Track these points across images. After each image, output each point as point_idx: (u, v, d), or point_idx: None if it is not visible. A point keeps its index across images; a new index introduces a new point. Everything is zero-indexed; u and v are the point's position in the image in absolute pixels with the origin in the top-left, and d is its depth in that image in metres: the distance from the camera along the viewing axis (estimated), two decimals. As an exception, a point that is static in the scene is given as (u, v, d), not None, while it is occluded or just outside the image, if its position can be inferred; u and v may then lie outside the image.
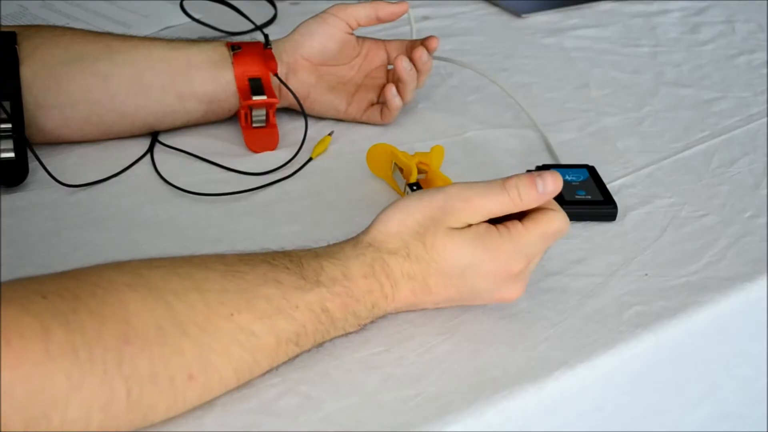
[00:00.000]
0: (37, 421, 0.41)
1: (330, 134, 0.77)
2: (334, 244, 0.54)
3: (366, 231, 0.54)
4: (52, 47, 0.72)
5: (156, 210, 0.67)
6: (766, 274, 0.62)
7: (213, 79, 0.74)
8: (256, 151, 0.75)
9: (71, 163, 0.72)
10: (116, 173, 0.71)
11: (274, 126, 0.76)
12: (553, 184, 0.53)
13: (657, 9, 1.13)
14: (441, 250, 0.52)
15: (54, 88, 0.71)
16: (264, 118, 0.76)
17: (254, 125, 0.76)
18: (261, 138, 0.76)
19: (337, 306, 0.51)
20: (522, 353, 0.53)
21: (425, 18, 1.06)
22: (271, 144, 0.76)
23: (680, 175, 0.75)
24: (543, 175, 0.53)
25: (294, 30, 0.78)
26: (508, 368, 0.52)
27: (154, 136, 0.76)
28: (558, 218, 0.53)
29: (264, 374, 0.50)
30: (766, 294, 0.62)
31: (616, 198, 0.69)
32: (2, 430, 0.40)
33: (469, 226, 0.53)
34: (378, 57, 0.81)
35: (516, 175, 0.53)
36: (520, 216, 0.54)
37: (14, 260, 0.60)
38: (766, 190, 0.72)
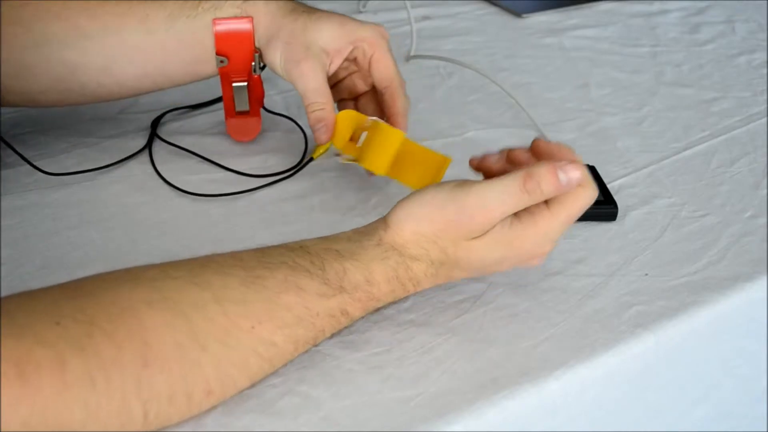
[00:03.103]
0: None
1: None
2: (356, 241, 0.52)
3: (386, 229, 0.52)
4: (14, 23, 0.65)
5: (156, 210, 0.67)
6: (766, 274, 0.62)
7: (192, 73, 0.70)
8: (236, 138, 0.76)
9: (71, 164, 0.72)
10: (104, 165, 0.71)
11: (258, 115, 0.75)
12: (577, 174, 0.50)
13: (657, 9, 1.13)
14: (465, 258, 0.52)
15: (21, 75, 0.66)
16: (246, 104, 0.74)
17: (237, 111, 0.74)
18: (241, 126, 0.75)
19: (358, 308, 0.51)
20: (522, 353, 0.53)
21: (425, 18, 1.06)
22: (252, 132, 0.75)
23: (680, 175, 0.75)
24: (565, 167, 0.50)
25: None
26: (508, 368, 0.52)
27: (152, 134, 0.76)
28: (584, 196, 0.52)
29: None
30: (766, 294, 0.62)
31: (616, 198, 0.69)
32: None
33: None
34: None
35: (536, 171, 0.50)
36: None
37: (14, 260, 0.60)
38: (766, 190, 0.72)
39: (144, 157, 0.74)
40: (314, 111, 0.67)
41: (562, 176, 0.50)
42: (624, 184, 0.73)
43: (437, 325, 0.55)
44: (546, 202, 0.52)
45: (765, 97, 0.90)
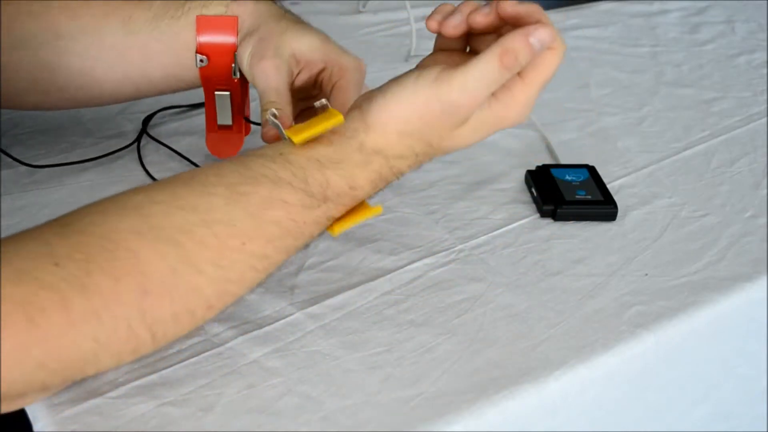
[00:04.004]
0: (73, 377, 0.45)
1: None
2: (337, 145, 0.51)
3: (366, 131, 0.51)
4: None
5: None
6: (766, 274, 0.62)
7: (174, 78, 0.68)
8: (215, 155, 0.71)
9: (72, 166, 0.72)
10: (95, 157, 0.72)
11: (240, 131, 0.71)
12: (547, 35, 0.49)
13: (657, 9, 1.13)
14: (449, 145, 0.52)
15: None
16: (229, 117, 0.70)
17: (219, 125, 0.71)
18: (222, 142, 0.71)
19: (342, 211, 0.51)
20: (522, 353, 0.53)
21: (425, 18, 1.06)
22: (233, 149, 0.70)
23: (680, 175, 0.75)
24: (535, 32, 0.49)
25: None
26: (508, 368, 0.52)
27: (142, 131, 0.76)
28: (556, 56, 0.51)
29: (265, 375, 0.50)
30: (766, 294, 0.62)
31: (616, 198, 0.69)
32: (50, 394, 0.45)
33: None
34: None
35: (511, 45, 0.49)
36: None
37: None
38: (766, 190, 0.72)
39: (144, 157, 0.74)
40: (269, 110, 0.62)
41: (534, 42, 0.49)
42: (624, 184, 0.73)
43: (437, 325, 0.55)
44: (519, 72, 0.51)
45: (765, 97, 0.90)
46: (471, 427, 0.48)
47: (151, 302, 0.44)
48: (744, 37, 1.06)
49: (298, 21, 0.66)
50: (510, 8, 0.51)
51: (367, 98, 0.52)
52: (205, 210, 0.46)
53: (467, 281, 0.59)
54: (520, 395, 0.50)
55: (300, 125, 0.52)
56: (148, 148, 0.75)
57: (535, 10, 0.51)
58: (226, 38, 0.66)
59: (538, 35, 0.49)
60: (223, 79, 0.68)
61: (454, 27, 0.53)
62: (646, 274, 0.61)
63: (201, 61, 0.66)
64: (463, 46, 0.57)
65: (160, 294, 0.44)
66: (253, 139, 0.76)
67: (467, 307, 0.57)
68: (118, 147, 0.74)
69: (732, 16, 1.11)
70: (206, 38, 0.66)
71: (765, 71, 0.96)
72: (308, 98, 0.67)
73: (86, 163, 0.72)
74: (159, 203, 0.46)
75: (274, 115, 0.55)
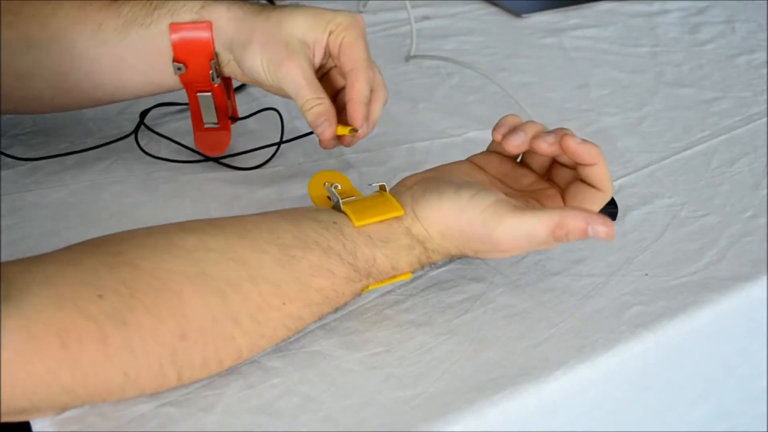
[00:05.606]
0: (94, 403, 0.46)
1: None
2: (386, 224, 0.53)
3: (413, 219, 0.53)
4: None
5: (156, 210, 0.67)
6: (766, 274, 0.62)
7: (151, 84, 0.67)
8: (205, 152, 0.72)
9: (71, 164, 0.72)
10: (89, 148, 0.72)
11: (227, 128, 0.71)
12: (605, 233, 0.50)
13: (657, 9, 1.13)
14: (482, 257, 0.57)
15: None
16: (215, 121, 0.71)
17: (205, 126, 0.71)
18: (210, 139, 0.71)
19: (377, 284, 0.54)
20: (522, 353, 0.53)
21: (425, 18, 1.06)
22: (221, 147, 0.71)
23: (680, 175, 0.75)
24: (596, 226, 0.50)
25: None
26: (508, 368, 0.52)
27: (140, 123, 0.76)
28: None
29: (264, 375, 0.50)
30: (766, 294, 0.62)
31: (616, 198, 0.69)
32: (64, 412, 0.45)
33: None
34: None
35: (567, 222, 0.50)
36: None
37: (14, 260, 0.60)
38: (766, 190, 0.72)
39: (145, 158, 0.74)
40: (311, 108, 0.62)
41: (590, 231, 0.50)
42: (624, 184, 0.73)
43: (437, 325, 0.55)
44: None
45: (765, 97, 0.90)
46: (471, 427, 0.48)
47: (186, 346, 0.45)
48: (744, 37, 1.06)
49: (281, 8, 0.65)
50: (573, 145, 0.53)
51: (422, 187, 0.54)
52: (255, 266, 0.48)
53: (467, 281, 0.59)
54: (520, 395, 0.50)
55: (358, 203, 0.54)
56: (147, 147, 0.75)
57: (594, 153, 0.53)
58: (202, 44, 0.65)
59: (597, 229, 0.50)
60: (205, 82, 0.67)
61: (516, 146, 0.55)
62: (646, 274, 0.61)
63: (179, 69, 0.66)
64: (516, 156, 0.60)
65: (195, 340, 0.45)
66: (242, 139, 0.76)
67: (467, 307, 0.57)
68: (118, 146, 0.74)
69: (732, 16, 1.11)
70: (181, 47, 0.64)
71: (765, 71, 0.96)
72: (327, 72, 0.68)
73: (86, 164, 0.72)
74: (212, 251, 0.47)
75: (336, 188, 0.57)
